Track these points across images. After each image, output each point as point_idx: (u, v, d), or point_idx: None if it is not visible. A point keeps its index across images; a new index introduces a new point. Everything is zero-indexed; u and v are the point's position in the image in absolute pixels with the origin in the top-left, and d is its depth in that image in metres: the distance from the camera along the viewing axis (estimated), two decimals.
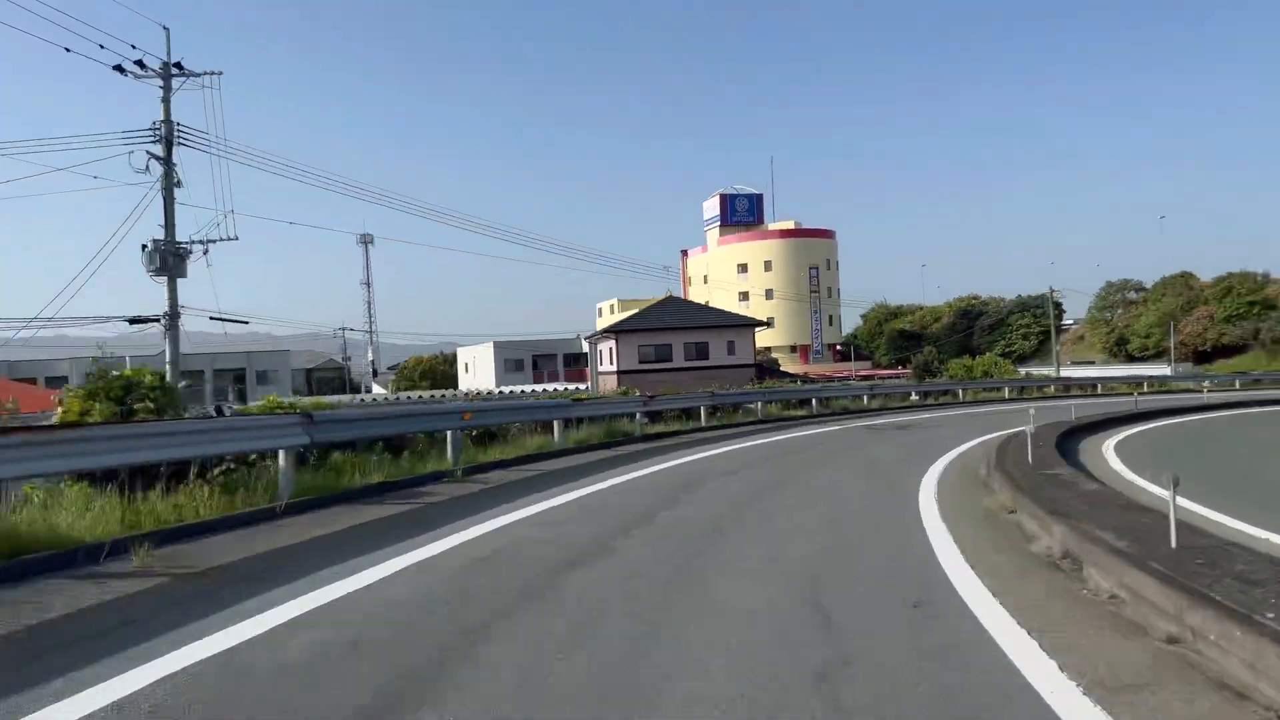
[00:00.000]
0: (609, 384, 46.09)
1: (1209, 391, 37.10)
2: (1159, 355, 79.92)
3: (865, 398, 31.15)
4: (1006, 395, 37.75)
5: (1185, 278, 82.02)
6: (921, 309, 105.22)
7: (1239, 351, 74.63)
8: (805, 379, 48.44)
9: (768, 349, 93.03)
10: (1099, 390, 42.44)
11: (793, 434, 20.46)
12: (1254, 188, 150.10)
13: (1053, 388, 40.92)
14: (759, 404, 26.32)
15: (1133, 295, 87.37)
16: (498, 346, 70.61)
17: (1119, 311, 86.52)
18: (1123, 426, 20.68)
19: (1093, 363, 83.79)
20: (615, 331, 45.69)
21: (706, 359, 45.44)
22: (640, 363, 44.88)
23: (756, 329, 49.04)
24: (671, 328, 45.72)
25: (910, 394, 33.95)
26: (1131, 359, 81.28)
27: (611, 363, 47.08)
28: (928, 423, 23.75)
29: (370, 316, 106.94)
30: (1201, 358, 75.92)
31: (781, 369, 71.09)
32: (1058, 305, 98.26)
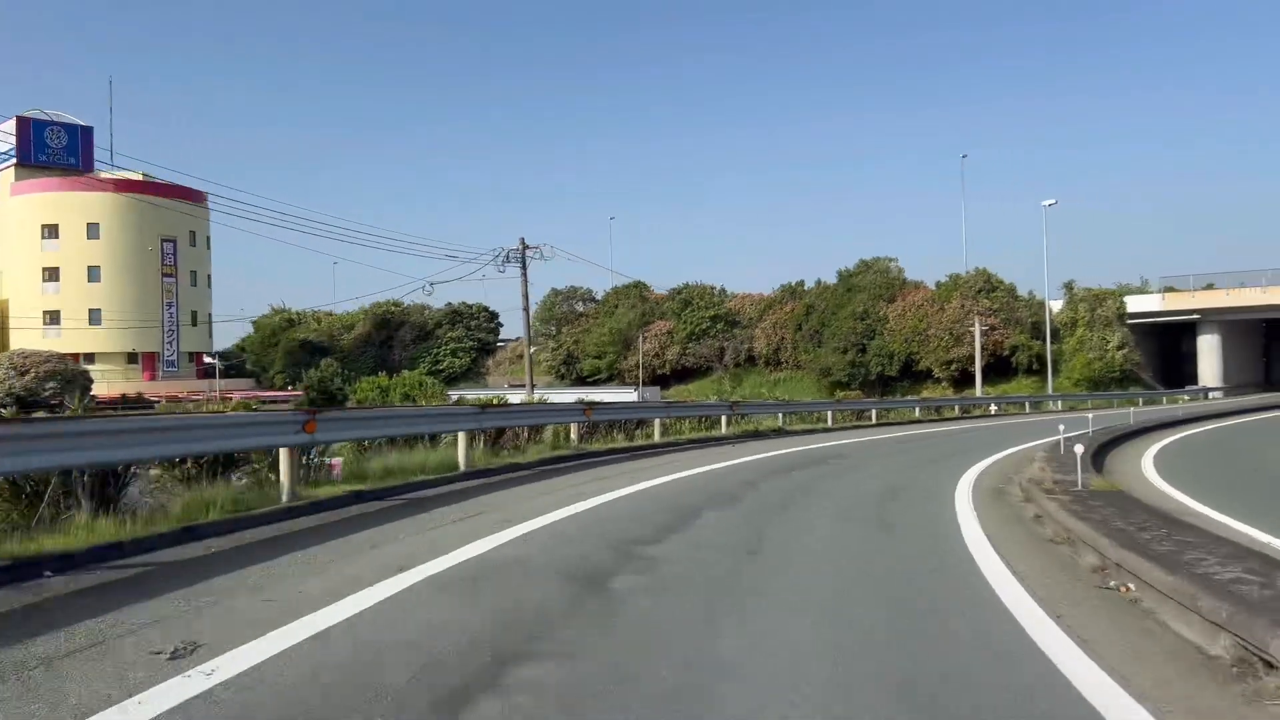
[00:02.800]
0: None
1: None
2: (612, 378, 66.95)
3: None
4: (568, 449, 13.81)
5: (639, 288, 70.02)
6: (331, 316, 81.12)
7: (703, 374, 64.00)
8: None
9: (88, 355, 60.76)
10: (702, 423, 21.59)
11: None
12: (686, 206, 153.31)
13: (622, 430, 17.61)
14: None
15: (581, 307, 73.20)
16: None
17: (566, 326, 71.32)
18: None
19: (534, 386, 67.54)
20: None
21: None
22: None
23: None
24: None
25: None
26: (583, 381, 66.85)
27: None
28: None
29: None
30: (661, 381, 63.74)
31: (92, 393, 41.00)
32: (494, 316, 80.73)
